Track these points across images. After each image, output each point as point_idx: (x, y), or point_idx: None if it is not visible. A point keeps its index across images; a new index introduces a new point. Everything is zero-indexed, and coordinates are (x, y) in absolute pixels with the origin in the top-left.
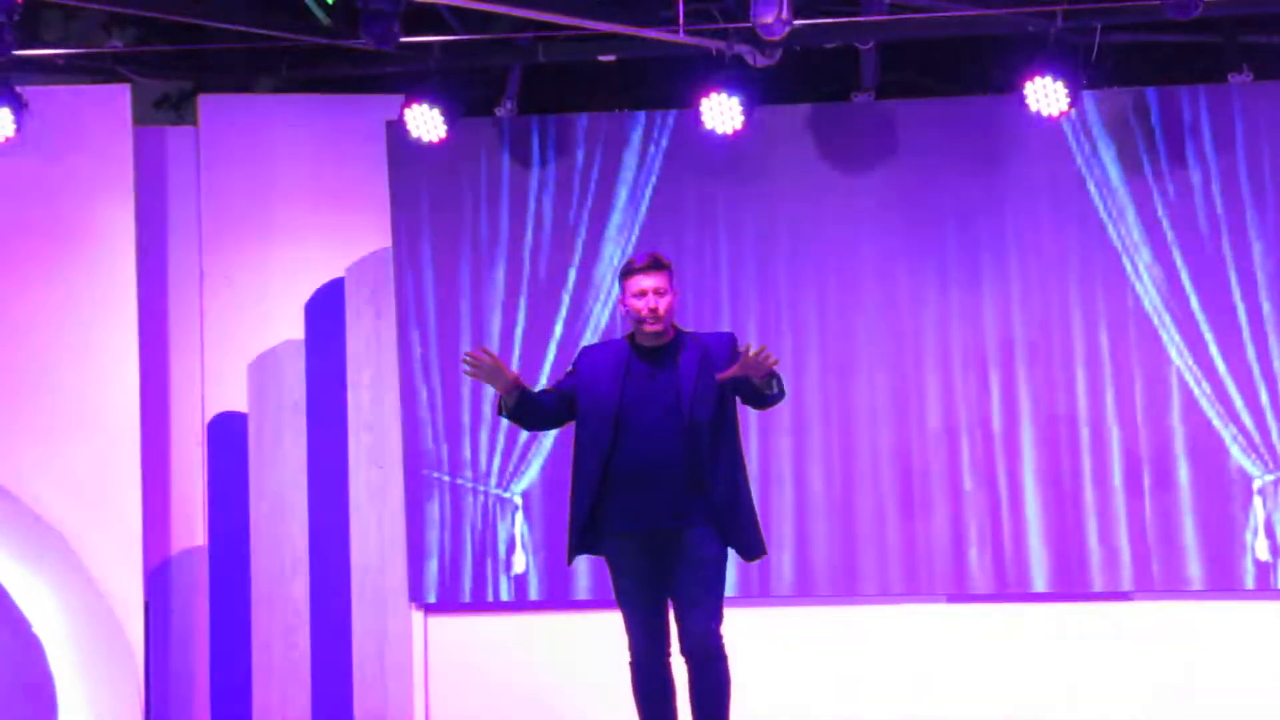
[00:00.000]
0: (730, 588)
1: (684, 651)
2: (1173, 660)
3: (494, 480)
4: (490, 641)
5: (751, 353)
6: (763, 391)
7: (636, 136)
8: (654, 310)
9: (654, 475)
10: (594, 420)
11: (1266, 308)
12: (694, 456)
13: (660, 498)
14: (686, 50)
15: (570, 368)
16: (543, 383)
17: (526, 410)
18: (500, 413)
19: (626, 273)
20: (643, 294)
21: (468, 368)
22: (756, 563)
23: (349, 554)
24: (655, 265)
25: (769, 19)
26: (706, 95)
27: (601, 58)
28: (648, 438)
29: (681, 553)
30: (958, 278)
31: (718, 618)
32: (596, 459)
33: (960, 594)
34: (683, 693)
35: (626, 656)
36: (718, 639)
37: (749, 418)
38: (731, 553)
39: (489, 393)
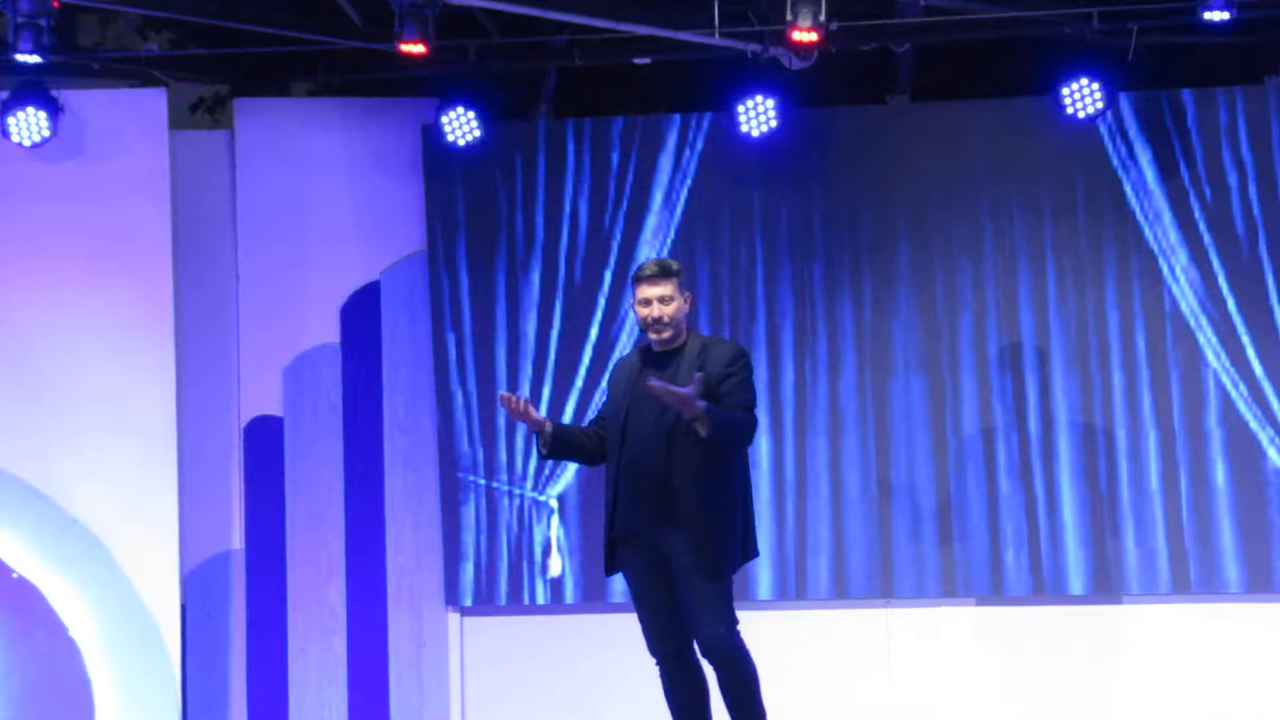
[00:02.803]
0: (766, 590)
1: (702, 654)
2: (1211, 663)
3: (529, 483)
4: (526, 644)
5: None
6: (698, 431)
7: (672, 139)
8: (658, 320)
9: (644, 481)
10: (611, 429)
11: None
12: (669, 462)
13: (649, 504)
14: (722, 53)
15: (606, 385)
16: (579, 385)
17: (566, 450)
18: (542, 456)
19: (634, 279)
20: (647, 302)
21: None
22: (791, 566)
23: (385, 557)
24: (660, 274)
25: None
26: (742, 98)
27: (637, 60)
28: (642, 444)
29: (669, 562)
30: (993, 280)
31: (723, 620)
32: (613, 467)
33: (997, 596)
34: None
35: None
36: (729, 640)
37: (785, 419)
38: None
39: (524, 396)
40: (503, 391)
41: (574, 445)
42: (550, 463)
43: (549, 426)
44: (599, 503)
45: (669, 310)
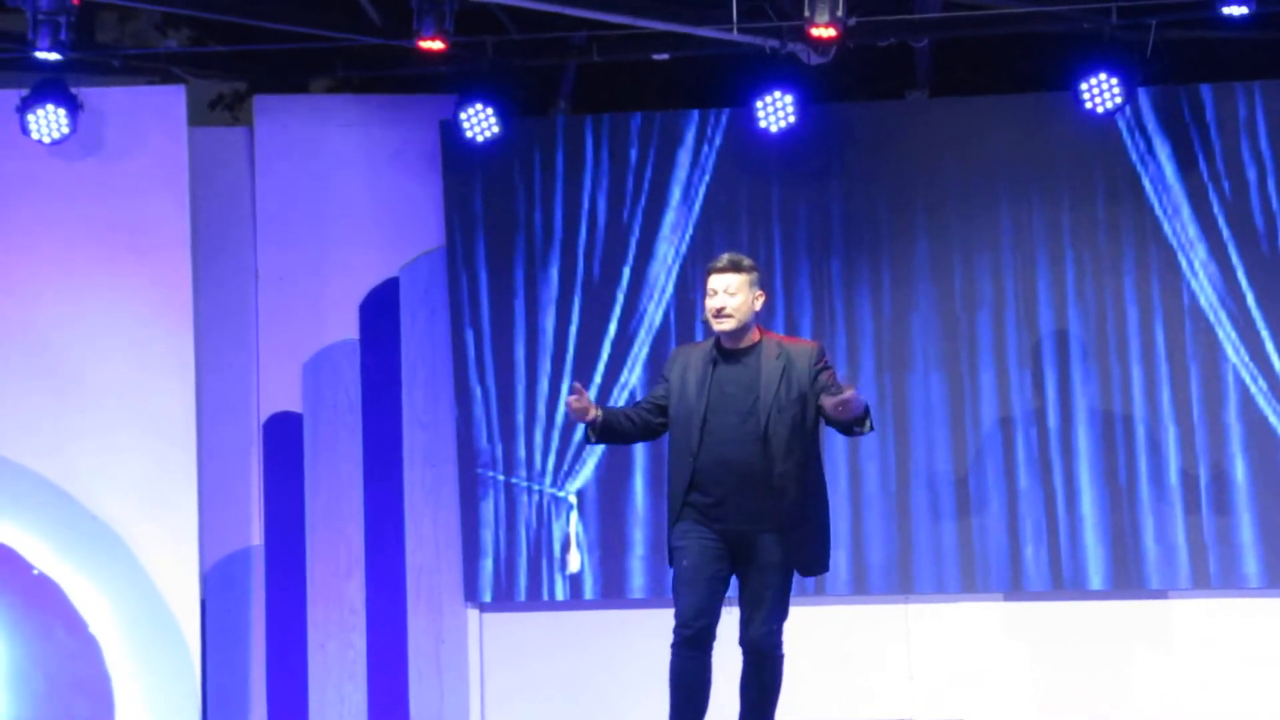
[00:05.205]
0: None
1: (741, 644)
2: (1230, 658)
3: (548, 479)
4: (546, 640)
5: (843, 397)
6: (851, 429)
7: (690, 135)
8: (720, 309)
9: (728, 478)
10: (684, 425)
11: None
12: (767, 464)
13: (733, 501)
14: (740, 48)
15: (664, 375)
16: (598, 381)
17: (613, 435)
18: (588, 440)
19: (706, 271)
20: (713, 294)
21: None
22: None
23: (404, 553)
24: (730, 267)
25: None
26: (760, 93)
27: (655, 56)
28: (725, 441)
29: (750, 556)
30: (1012, 275)
31: (779, 620)
32: (687, 461)
33: (1016, 592)
34: (727, 682)
35: (670, 638)
36: (776, 639)
37: None
38: None
39: (543, 392)
40: (576, 383)
41: (619, 430)
42: (569, 459)
43: (600, 418)
44: (618, 499)
45: (733, 303)
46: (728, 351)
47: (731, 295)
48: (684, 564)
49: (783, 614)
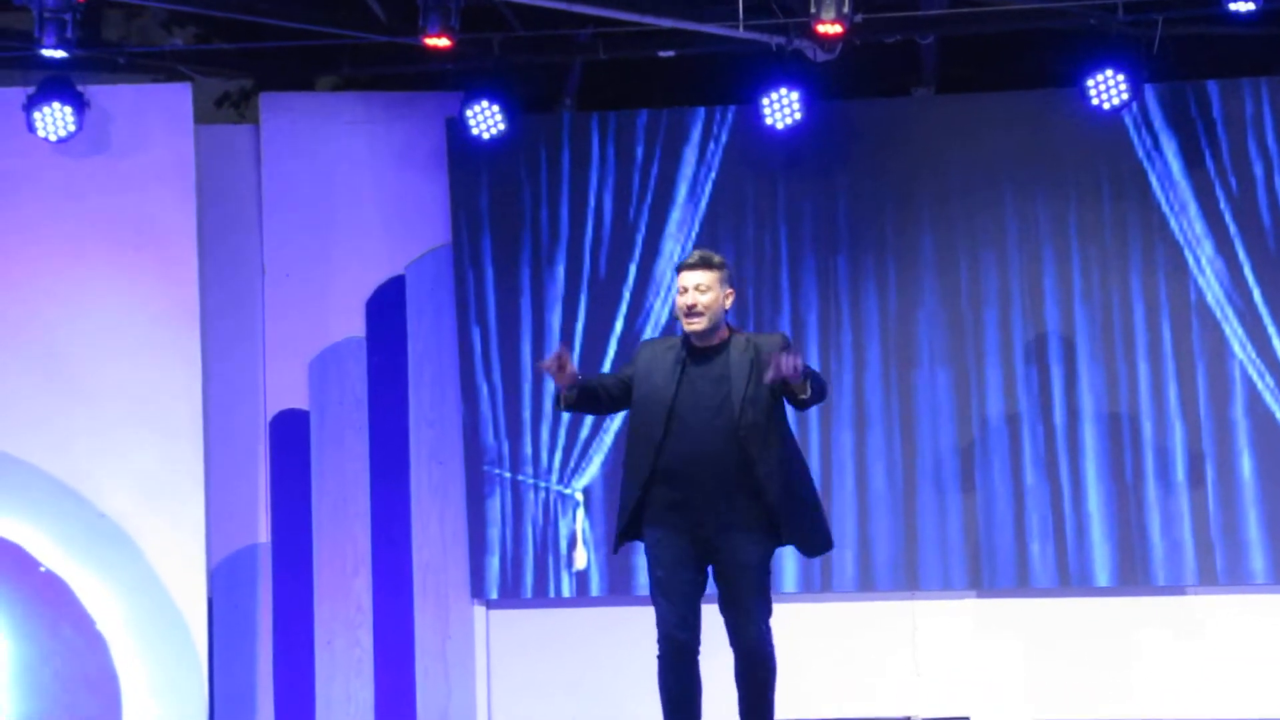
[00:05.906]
0: (792, 583)
1: (733, 646)
2: (1236, 654)
3: (555, 476)
4: (552, 637)
5: (782, 362)
6: (798, 395)
7: (696, 132)
8: (691, 307)
9: (700, 474)
10: (647, 414)
11: None
12: (743, 459)
13: (704, 497)
14: (746, 46)
15: (631, 359)
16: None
17: (585, 403)
18: (559, 407)
19: (677, 268)
20: (684, 291)
21: (546, 364)
22: (819, 558)
23: (411, 550)
24: (700, 263)
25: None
26: (766, 90)
27: (661, 53)
28: (696, 437)
29: (723, 556)
30: (1018, 272)
31: (763, 619)
32: (648, 452)
33: (1023, 588)
34: (722, 678)
35: (655, 650)
36: (766, 638)
37: (810, 411)
38: (791, 549)
39: (549, 389)
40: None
41: (592, 400)
42: (576, 456)
43: (577, 389)
44: None
45: (704, 300)
46: (697, 350)
47: (703, 293)
48: (659, 574)
49: (767, 611)
